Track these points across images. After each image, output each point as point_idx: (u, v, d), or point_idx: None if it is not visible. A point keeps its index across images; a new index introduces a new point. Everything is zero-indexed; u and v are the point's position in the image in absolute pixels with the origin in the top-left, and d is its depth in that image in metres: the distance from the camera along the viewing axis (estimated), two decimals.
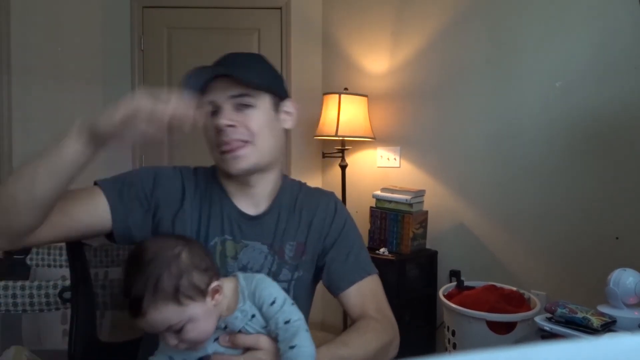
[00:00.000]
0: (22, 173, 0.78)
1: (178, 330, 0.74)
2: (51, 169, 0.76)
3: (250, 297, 0.80)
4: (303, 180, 1.11)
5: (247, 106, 0.91)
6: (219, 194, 0.98)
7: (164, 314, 0.73)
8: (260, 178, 0.97)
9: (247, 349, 0.79)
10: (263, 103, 0.93)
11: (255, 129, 0.91)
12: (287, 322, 0.77)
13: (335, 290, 0.99)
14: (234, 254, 0.94)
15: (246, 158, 0.91)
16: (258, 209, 0.98)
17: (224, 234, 0.95)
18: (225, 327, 0.80)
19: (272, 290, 0.80)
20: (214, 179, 1.00)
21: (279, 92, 0.97)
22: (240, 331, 0.79)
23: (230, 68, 0.91)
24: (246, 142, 0.90)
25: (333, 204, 1.05)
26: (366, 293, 0.99)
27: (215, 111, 0.90)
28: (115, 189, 0.92)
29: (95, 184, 0.93)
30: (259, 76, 0.92)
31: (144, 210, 0.93)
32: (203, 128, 0.93)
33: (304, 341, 0.75)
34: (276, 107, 0.96)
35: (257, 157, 0.92)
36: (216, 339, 0.79)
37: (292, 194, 1.04)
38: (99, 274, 1.12)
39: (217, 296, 0.79)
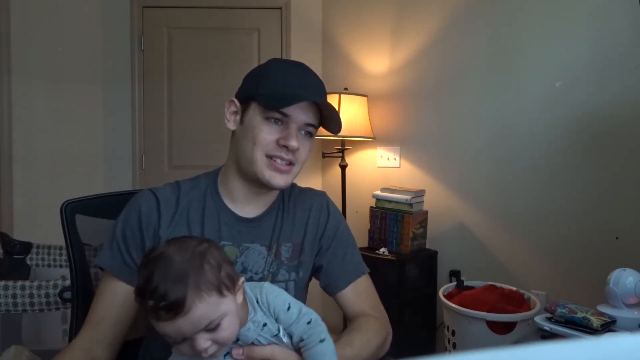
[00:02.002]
0: None
1: (213, 329, 0.69)
2: None
3: (263, 306, 0.78)
4: (303, 181, 1.12)
5: (309, 134, 0.96)
6: (215, 203, 0.97)
7: (208, 307, 0.69)
8: (271, 192, 1.00)
9: None
10: (314, 135, 0.98)
11: (304, 157, 0.97)
12: (309, 322, 0.78)
13: (333, 290, 1.02)
14: (234, 258, 0.95)
15: (288, 178, 0.95)
16: (256, 212, 0.99)
17: (222, 240, 0.95)
18: (237, 340, 0.77)
19: (283, 297, 0.80)
20: (213, 187, 0.99)
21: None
22: (252, 343, 0.77)
23: (324, 99, 0.95)
24: (292, 165, 0.95)
25: (326, 204, 1.08)
26: (362, 291, 1.03)
27: (279, 120, 0.91)
28: (119, 262, 0.91)
29: (101, 268, 0.94)
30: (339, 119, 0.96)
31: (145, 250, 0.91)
32: (251, 127, 0.92)
33: (329, 335, 0.78)
34: (314, 141, 1.01)
35: (292, 179, 0.97)
36: (227, 354, 0.75)
37: (286, 194, 1.05)
38: (99, 274, 1.12)
39: (241, 293, 0.76)
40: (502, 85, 2.16)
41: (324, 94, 0.97)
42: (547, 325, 1.24)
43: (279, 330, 0.78)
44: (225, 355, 0.75)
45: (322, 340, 0.76)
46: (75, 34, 2.79)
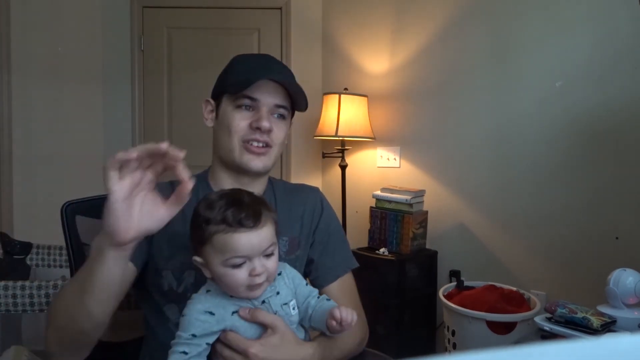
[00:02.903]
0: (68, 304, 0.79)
1: (268, 255, 0.80)
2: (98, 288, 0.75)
3: (285, 278, 0.87)
4: (303, 180, 1.13)
5: (282, 117, 1.00)
6: None
7: (270, 231, 0.81)
8: (257, 181, 1.02)
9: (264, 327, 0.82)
10: (288, 118, 1.02)
11: (280, 139, 1.00)
12: (318, 297, 0.89)
13: (321, 282, 1.04)
14: None
15: (265, 159, 0.98)
16: None
17: None
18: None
19: (300, 275, 0.91)
20: (204, 182, 1.02)
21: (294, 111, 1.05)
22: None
23: (287, 79, 0.98)
24: (269, 147, 0.98)
25: (319, 199, 1.11)
26: (347, 290, 1.06)
27: (249, 107, 0.96)
28: None
29: None
30: (304, 96, 1.00)
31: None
32: (225, 118, 0.97)
33: None
34: (290, 124, 1.05)
35: (271, 162, 1.00)
36: (235, 312, 0.82)
37: (278, 190, 1.08)
38: None
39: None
40: (502, 85, 2.16)
41: (288, 74, 1.01)
42: (547, 326, 1.24)
43: (289, 301, 0.86)
44: (233, 313, 0.81)
45: (328, 299, 0.89)
46: (75, 34, 2.78)
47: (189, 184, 0.71)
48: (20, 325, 2.28)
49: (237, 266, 0.78)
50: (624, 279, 1.23)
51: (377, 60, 2.66)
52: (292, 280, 0.88)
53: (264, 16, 2.88)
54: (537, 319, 1.28)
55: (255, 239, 0.78)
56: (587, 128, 1.90)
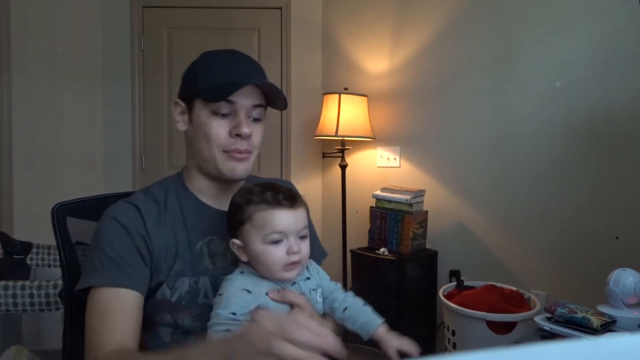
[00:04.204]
0: None
1: (302, 237, 0.87)
2: None
3: (312, 270, 0.94)
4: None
5: (258, 120, 0.97)
6: (189, 200, 0.98)
7: (305, 214, 0.89)
8: (236, 184, 1.00)
9: (292, 307, 0.85)
10: (264, 117, 0.99)
11: (258, 141, 0.97)
12: (345, 292, 0.96)
13: None
14: (223, 251, 0.95)
15: (247, 164, 0.96)
16: None
17: (207, 234, 0.95)
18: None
19: (322, 270, 0.98)
20: (182, 187, 1.00)
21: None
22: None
23: (266, 81, 0.95)
24: (249, 152, 0.96)
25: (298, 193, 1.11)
26: None
27: (225, 114, 0.92)
28: (112, 271, 0.87)
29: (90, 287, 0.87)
30: (282, 95, 0.97)
31: (140, 255, 0.90)
32: (201, 124, 0.93)
33: None
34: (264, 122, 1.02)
35: (251, 165, 0.98)
36: (266, 293, 0.85)
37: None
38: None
39: None
40: (502, 85, 2.16)
41: (261, 73, 0.98)
42: (547, 325, 1.24)
43: (317, 288, 0.92)
44: (265, 294, 0.85)
45: (364, 304, 0.95)
46: (75, 34, 2.78)
47: None
48: (20, 325, 2.28)
49: (276, 242, 0.84)
50: (624, 279, 1.23)
51: (377, 60, 2.66)
52: (317, 273, 0.95)
53: (264, 16, 2.88)
54: (537, 319, 1.28)
55: (291, 217, 0.85)
56: (587, 128, 1.90)
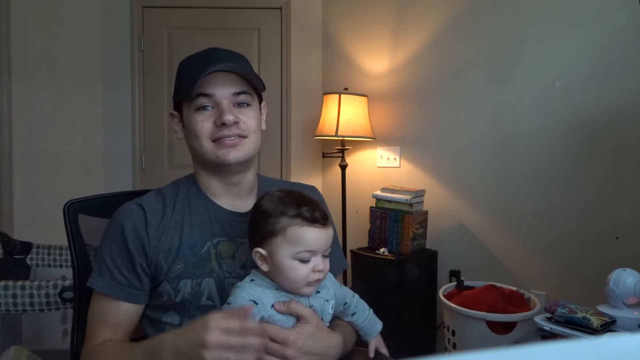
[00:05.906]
0: None
1: (326, 256, 0.87)
2: None
3: (330, 282, 0.95)
4: (303, 180, 1.12)
5: (245, 104, 0.96)
6: (200, 200, 0.98)
7: (332, 232, 0.89)
8: (243, 175, 1.00)
9: (298, 319, 0.87)
10: (255, 102, 0.99)
11: (253, 126, 0.97)
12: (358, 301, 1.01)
13: None
14: (231, 254, 0.95)
15: (242, 149, 0.95)
16: (245, 207, 0.99)
17: (216, 236, 0.95)
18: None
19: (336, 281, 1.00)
20: (194, 186, 1.00)
21: (261, 94, 1.03)
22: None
23: (234, 64, 0.94)
24: (244, 137, 0.95)
25: (318, 198, 1.10)
26: None
27: (206, 106, 0.94)
28: (110, 281, 0.91)
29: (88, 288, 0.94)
30: (257, 77, 0.97)
31: (132, 265, 0.91)
32: (189, 123, 0.95)
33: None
34: (259, 108, 1.02)
35: (250, 150, 0.96)
36: (272, 305, 0.85)
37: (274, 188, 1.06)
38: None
39: None
40: (502, 85, 2.16)
41: (236, 58, 0.98)
42: (547, 325, 1.24)
43: (330, 299, 0.92)
44: (271, 306, 0.85)
45: (369, 309, 1.01)
46: (75, 34, 2.78)
47: None
48: (20, 325, 2.28)
49: (304, 261, 0.84)
50: (624, 279, 1.23)
51: (377, 60, 2.66)
52: (332, 283, 0.95)
53: (264, 16, 2.88)
54: (537, 319, 1.28)
55: (324, 236, 0.86)
56: (587, 128, 1.90)
